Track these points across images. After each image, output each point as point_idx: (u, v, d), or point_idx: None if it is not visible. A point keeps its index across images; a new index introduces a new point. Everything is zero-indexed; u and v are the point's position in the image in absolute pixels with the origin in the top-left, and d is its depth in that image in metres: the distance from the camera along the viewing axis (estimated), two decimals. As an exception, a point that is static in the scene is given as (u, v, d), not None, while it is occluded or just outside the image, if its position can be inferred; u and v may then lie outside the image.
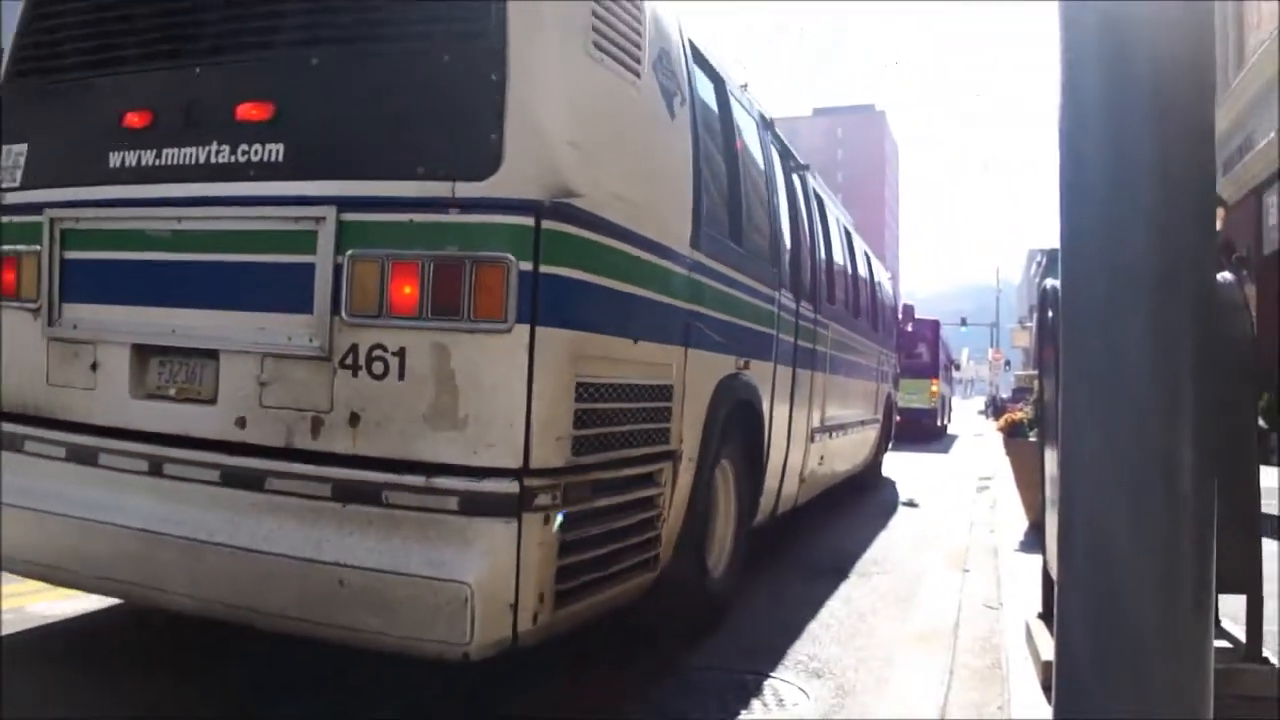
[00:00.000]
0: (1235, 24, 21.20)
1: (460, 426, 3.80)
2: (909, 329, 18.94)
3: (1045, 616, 5.14)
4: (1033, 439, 9.24)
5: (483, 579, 3.68)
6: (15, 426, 4.70)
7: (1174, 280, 2.00)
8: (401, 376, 3.88)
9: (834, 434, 9.61)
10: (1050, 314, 5.14)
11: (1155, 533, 2.01)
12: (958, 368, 52.73)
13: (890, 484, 15.00)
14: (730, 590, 6.11)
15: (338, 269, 3.96)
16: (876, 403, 12.97)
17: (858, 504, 12.00)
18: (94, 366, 4.53)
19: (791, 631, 5.83)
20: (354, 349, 3.95)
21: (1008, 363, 70.88)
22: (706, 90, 5.84)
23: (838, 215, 10.51)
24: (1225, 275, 4.52)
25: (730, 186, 6.06)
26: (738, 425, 6.00)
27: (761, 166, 7.04)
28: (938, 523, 10.91)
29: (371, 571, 3.77)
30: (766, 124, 7.45)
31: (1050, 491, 4.90)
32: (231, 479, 4.10)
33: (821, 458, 9.03)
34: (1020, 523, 9.70)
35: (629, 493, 4.54)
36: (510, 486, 3.76)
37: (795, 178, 8.24)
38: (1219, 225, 15.08)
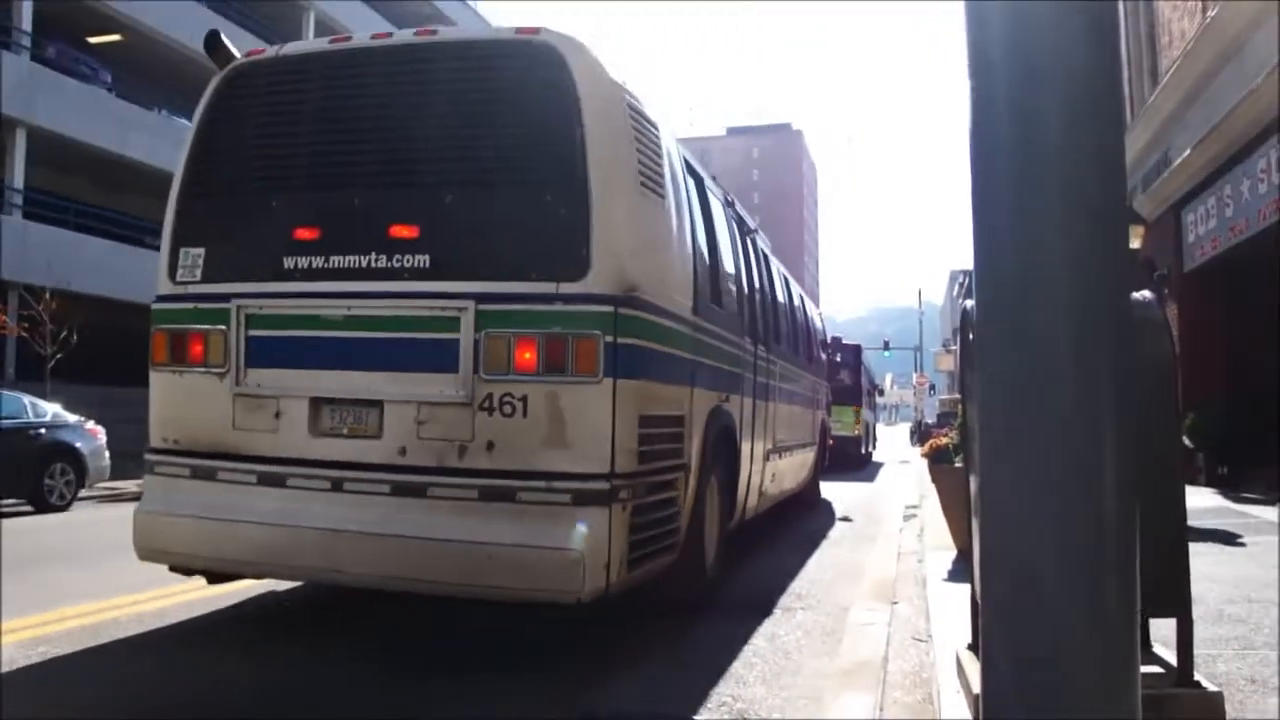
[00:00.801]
0: (1149, 42, 21.74)
1: (568, 446, 5.79)
2: (835, 357, 19.69)
3: (976, 647, 5.16)
4: (958, 464, 9.33)
5: (589, 547, 5.63)
6: (206, 461, 6.48)
7: (1089, 298, 2.02)
8: (525, 415, 5.84)
9: (783, 455, 11.84)
10: (971, 336, 5.18)
11: (1077, 558, 2.01)
12: (881, 393, 53.24)
13: (824, 506, 16.32)
14: (718, 577, 8.12)
15: (476, 342, 5.93)
16: (814, 428, 15.44)
17: (781, 535, 12.04)
18: (277, 415, 6.35)
19: (714, 672, 5.81)
20: (490, 396, 5.89)
21: (932, 387, 71.83)
22: (694, 190, 7.93)
23: (778, 267, 12.87)
24: (1145, 293, 4.60)
25: (711, 261, 8.15)
26: (721, 447, 8.06)
27: (728, 239, 9.08)
28: (864, 553, 10.96)
29: (512, 546, 5.66)
30: (729, 203, 9.71)
31: (976, 519, 4.93)
32: (400, 489, 5.96)
33: (773, 475, 11.18)
34: (948, 551, 9.78)
35: (663, 493, 6.52)
36: (603, 485, 5.74)
37: (748, 241, 10.43)
38: (1139, 243, 15.36)
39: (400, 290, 6.11)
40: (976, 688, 4.56)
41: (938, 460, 10.53)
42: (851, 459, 28.06)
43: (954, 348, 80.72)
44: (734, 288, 9.08)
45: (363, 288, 6.19)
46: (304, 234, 6.39)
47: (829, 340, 19.46)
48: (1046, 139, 2.02)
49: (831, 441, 19.66)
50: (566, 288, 5.86)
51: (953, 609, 6.78)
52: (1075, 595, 2.01)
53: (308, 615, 7.53)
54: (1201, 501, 14.44)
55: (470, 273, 6.02)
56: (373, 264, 6.20)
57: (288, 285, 6.38)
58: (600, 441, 5.78)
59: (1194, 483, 17.66)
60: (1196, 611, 4.62)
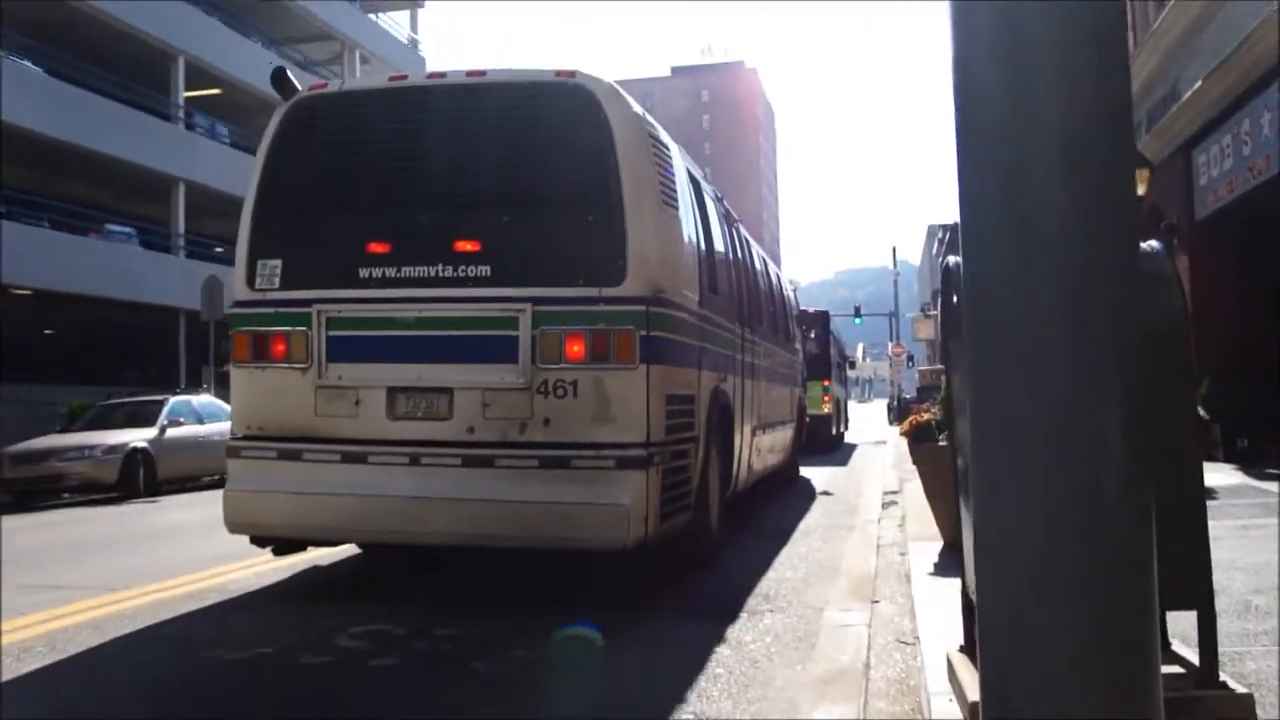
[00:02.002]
0: (1151, -45, 21.80)
1: (612, 421, 8.00)
2: (803, 329, 20.50)
3: (969, 649, 5.18)
4: (943, 443, 9.40)
5: (632, 502, 7.83)
6: (291, 444, 8.51)
7: (1090, 253, 2.03)
8: (575, 396, 8.02)
9: (766, 431, 14.27)
10: (955, 298, 5.13)
11: (1084, 547, 2.02)
12: (853, 366, 53.36)
13: (802, 483, 18.06)
14: (721, 540, 10.30)
15: (533, 338, 8.08)
16: (792, 405, 18.16)
17: (745, 528, 12.09)
18: (357, 403, 8.42)
19: (674, 686, 5.84)
20: (545, 382, 8.05)
21: (910, 358, 71.90)
22: (694, 193, 10.34)
23: (758, 250, 15.57)
24: (1152, 245, 4.65)
25: (709, 256, 10.51)
26: (720, 422, 10.31)
27: (719, 233, 11.52)
28: (839, 545, 11.04)
29: (569, 504, 7.85)
30: (719, 198, 12.39)
31: (964, 504, 4.96)
32: (471, 461, 8.09)
33: (759, 450, 13.48)
34: (934, 541, 9.88)
35: (681, 460, 8.73)
36: (641, 452, 7.95)
37: (734, 231, 12.95)
38: (1144, 189, 15.48)
39: (466, 295, 8.27)
40: (973, 694, 4.60)
41: (919, 439, 10.61)
42: (821, 440, 27.94)
43: (934, 312, 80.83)
44: (725, 277, 11.46)
45: (431, 293, 8.33)
46: (376, 247, 8.52)
47: (799, 313, 21.60)
48: (1038, 73, 2.03)
49: (807, 419, 21.95)
50: (608, 292, 8.07)
51: (941, 607, 6.83)
52: (1084, 589, 2.03)
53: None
54: (1221, 479, 14.59)
55: (526, 280, 8.18)
56: (440, 273, 8.32)
57: (363, 291, 8.47)
58: (638, 416, 8.02)
59: (1212, 458, 17.85)
60: (1219, 604, 4.68)
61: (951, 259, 5.06)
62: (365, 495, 8.23)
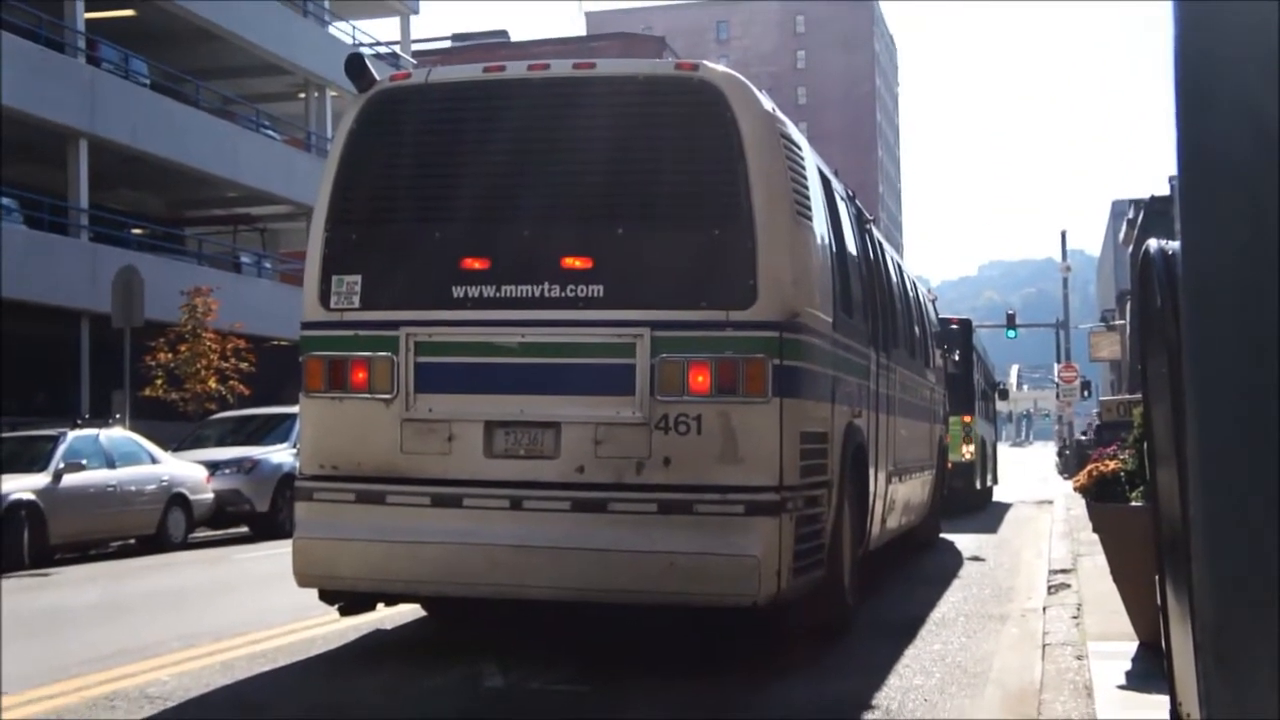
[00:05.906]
0: None
1: (740, 461, 9.40)
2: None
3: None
4: (1138, 503, 9.28)
5: (764, 553, 9.13)
6: (373, 485, 9.95)
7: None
8: (699, 433, 9.35)
9: (903, 479, 16.19)
10: (1159, 299, 4.91)
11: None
12: (1004, 395, 52.67)
13: (932, 556, 18.58)
14: (855, 604, 11.77)
15: (652, 367, 9.44)
16: (931, 447, 20.33)
17: (861, 609, 12.04)
18: (449, 438, 9.83)
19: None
20: (665, 416, 9.39)
21: (1087, 384, 71.05)
22: (826, 198, 11.85)
23: (893, 256, 17.74)
24: None
25: (842, 271, 12.01)
26: (854, 465, 11.83)
27: (853, 241, 13.32)
28: (988, 642, 11.00)
29: (692, 554, 9.17)
30: (850, 197, 14.07)
31: (1174, 587, 4.90)
32: (581, 505, 9.53)
33: (893, 503, 15.24)
34: (1125, 641, 9.81)
35: (815, 507, 10.19)
36: (774, 496, 9.31)
37: (866, 236, 14.69)
38: None
39: (575, 319, 9.73)
40: None
41: (1102, 496, 10.42)
42: (962, 496, 27.55)
43: (1121, 321, 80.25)
44: (859, 293, 13.19)
45: (536, 316, 9.79)
46: (473, 263, 10.04)
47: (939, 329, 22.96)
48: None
49: (950, 465, 24.86)
50: (736, 316, 9.43)
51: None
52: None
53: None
54: None
55: (643, 302, 9.65)
56: (546, 293, 9.75)
57: (458, 313, 9.96)
58: (770, 456, 9.38)
59: None
60: None
61: (1154, 244, 4.97)
62: (459, 544, 9.62)
